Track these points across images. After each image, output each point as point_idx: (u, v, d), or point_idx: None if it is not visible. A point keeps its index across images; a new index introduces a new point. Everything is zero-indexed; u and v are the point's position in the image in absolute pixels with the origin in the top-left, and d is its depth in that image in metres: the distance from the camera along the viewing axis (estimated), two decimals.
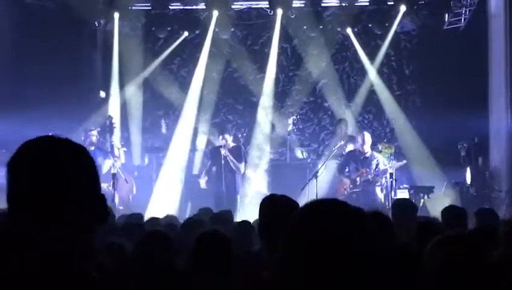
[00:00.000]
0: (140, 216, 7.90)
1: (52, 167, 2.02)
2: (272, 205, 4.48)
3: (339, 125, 14.95)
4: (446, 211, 6.85)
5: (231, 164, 13.17)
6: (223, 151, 13.15)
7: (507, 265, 3.55)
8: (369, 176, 12.83)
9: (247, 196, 14.36)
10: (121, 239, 5.13)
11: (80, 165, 2.07)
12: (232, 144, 13.42)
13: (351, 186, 12.94)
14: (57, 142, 2.08)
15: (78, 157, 2.08)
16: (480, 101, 13.78)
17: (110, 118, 14.01)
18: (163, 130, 15.60)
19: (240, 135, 16.07)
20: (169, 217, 8.05)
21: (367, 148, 13.02)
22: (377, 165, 12.90)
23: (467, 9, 15.71)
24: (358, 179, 12.90)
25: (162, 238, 4.78)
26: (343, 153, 13.69)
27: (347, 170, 13.07)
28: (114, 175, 12.67)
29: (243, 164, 13.44)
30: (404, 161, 13.54)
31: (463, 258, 3.02)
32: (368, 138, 13.07)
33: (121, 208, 12.41)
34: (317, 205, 2.03)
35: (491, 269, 3.07)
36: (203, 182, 13.81)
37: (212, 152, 13.83)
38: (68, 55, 15.12)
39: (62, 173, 2.02)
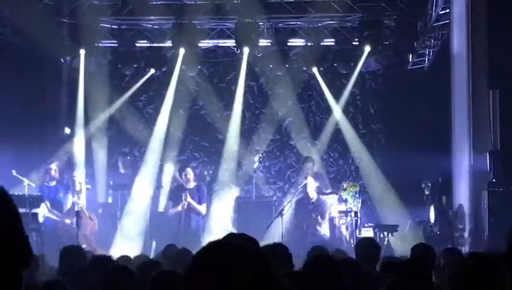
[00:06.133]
0: None
1: None
2: None
3: (306, 163, 14.94)
4: (416, 248, 6.87)
5: (194, 210, 13.21)
6: (184, 198, 13.15)
7: None
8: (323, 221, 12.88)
9: (212, 232, 14.28)
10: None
11: None
12: (193, 184, 13.41)
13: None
14: None
15: None
16: (444, 141, 13.90)
17: (68, 154, 13.92)
18: (121, 170, 15.42)
19: (205, 173, 16.03)
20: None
21: (312, 194, 13.06)
22: (327, 208, 12.99)
23: (431, 50, 15.98)
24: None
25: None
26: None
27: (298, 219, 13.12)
28: (78, 213, 12.58)
29: (204, 205, 13.50)
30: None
31: None
32: (311, 182, 13.12)
33: (84, 246, 12.26)
34: (207, 249, 2.04)
35: None
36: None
37: (175, 192, 13.81)
38: (33, 92, 15.03)
39: None
